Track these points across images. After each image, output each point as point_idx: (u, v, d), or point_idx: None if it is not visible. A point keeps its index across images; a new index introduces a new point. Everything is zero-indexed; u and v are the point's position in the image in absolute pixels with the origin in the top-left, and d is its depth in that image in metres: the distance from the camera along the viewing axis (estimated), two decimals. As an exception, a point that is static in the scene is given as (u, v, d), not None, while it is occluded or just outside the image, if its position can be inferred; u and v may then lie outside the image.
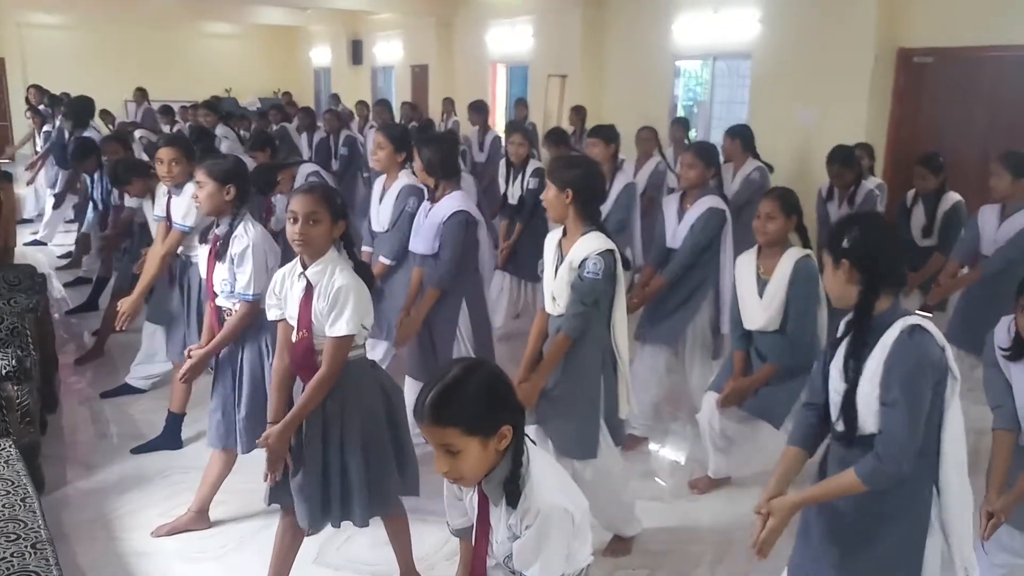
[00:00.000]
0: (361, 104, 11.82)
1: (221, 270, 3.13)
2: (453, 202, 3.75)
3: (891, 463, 1.99)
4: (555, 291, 3.03)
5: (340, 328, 2.53)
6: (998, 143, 6.24)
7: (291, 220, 2.55)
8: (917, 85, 7.21)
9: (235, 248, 3.08)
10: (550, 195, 2.99)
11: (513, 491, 1.70)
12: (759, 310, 3.48)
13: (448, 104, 11.45)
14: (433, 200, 3.83)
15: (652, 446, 4.34)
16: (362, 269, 2.68)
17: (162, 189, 4.07)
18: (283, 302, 2.66)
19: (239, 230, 3.12)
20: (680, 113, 10.03)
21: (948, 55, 6.93)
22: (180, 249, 3.92)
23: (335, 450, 2.63)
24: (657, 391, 4.28)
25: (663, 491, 3.88)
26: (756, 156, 5.87)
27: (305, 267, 2.59)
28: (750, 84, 8.57)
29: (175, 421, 4.09)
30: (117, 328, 3.91)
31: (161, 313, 4.20)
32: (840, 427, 2.13)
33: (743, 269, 3.59)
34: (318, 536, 2.99)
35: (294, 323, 2.62)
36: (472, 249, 3.86)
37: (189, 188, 3.75)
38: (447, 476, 1.69)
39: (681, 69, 9.96)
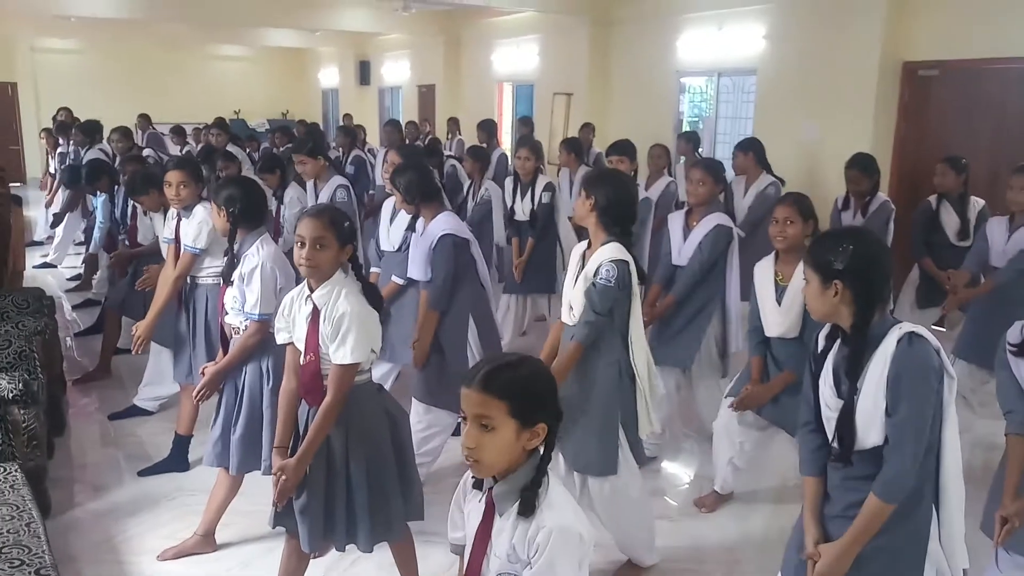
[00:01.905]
0: (358, 127, 11.82)
1: (231, 288, 3.15)
2: (438, 226, 3.78)
3: (906, 475, 1.98)
4: (572, 300, 3.04)
5: (344, 356, 2.52)
6: (1004, 155, 6.23)
7: (299, 244, 2.56)
8: (922, 99, 7.20)
9: (245, 267, 3.10)
10: (578, 200, 3.07)
11: (530, 500, 1.64)
12: (778, 317, 3.45)
13: (453, 124, 11.48)
14: (412, 228, 3.91)
15: (661, 464, 4.32)
16: (370, 292, 2.68)
17: (171, 212, 4.10)
18: (291, 325, 2.67)
19: (251, 249, 3.14)
20: (687, 129, 10.05)
21: (953, 68, 6.92)
22: (194, 274, 3.91)
23: (339, 474, 2.63)
24: (667, 410, 4.26)
25: (671, 509, 3.86)
26: (769, 170, 5.86)
27: (312, 290, 2.59)
28: (755, 100, 8.58)
29: (182, 443, 4.10)
30: (134, 352, 3.91)
31: (167, 335, 4.21)
32: (836, 445, 2.10)
33: (761, 276, 3.55)
34: (324, 559, 2.98)
35: (301, 346, 2.62)
36: (468, 267, 3.87)
37: (199, 211, 3.79)
38: (469, 455, 1.64)
39: (686, 86, 9.99)
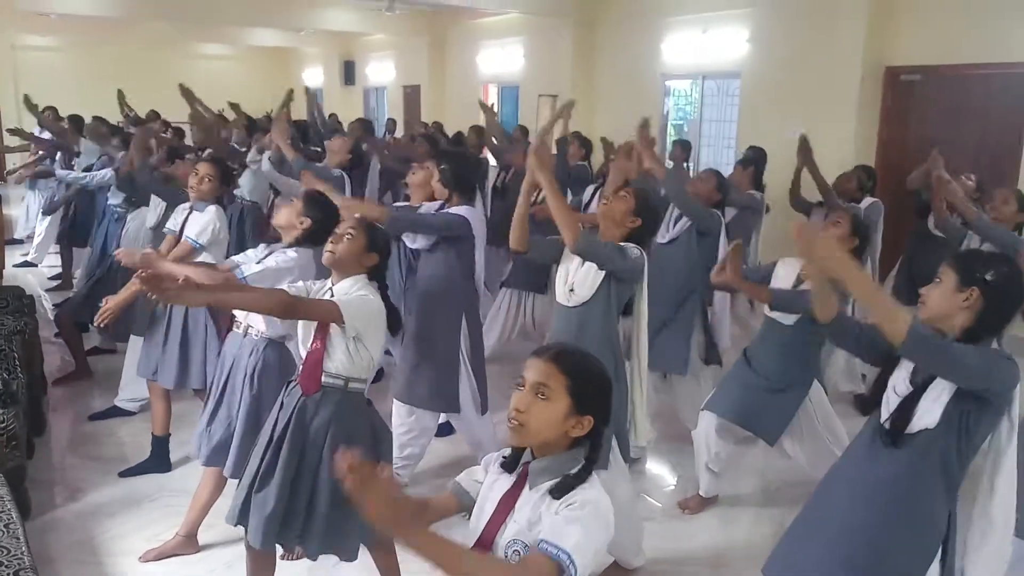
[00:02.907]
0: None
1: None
2: (459, 210, 3.77)
3: (934, 345, 2.01)
4: (576, 281, 3.11)
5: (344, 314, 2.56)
6: (986, 160, 6.30)
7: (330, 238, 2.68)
8: (905, 103, 7.27)
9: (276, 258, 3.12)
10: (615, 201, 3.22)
11: (569, 485, 1.63)
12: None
13: (436, 128, 11.45)
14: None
15: (645, 465, 4.33)
16: (392, 313, 2.75)
17: (182, 205, 4.04)
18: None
19: (289, 251, 3.15)
20: (670, 131, 10.09)
21: (935, 73, 6.99)
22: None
23: (308, 476, 2.60)
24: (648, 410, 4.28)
25: (655, 510, 3.86)
26: (760, 187, 5.93)
27: (334, 284, 2.69)
28: (739, 103, 8.62)
29: (161, 444, 4.05)
30: (95, 324, 3.53)
31: (143, 326, 4.09)
32: (888, 424, 2.13)
33: (786, 270, 3.57)
34: (305, 560, 2.96)
35: (311, 336, 2.64)
36: (467, 253, 3.84)
37: (211, 210, 3.81)
38: (516, 417, 1.64)
39: (671, 88, 10.03)
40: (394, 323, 2.76)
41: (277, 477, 2.58)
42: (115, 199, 5.61)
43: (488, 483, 1.78)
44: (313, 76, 18.97)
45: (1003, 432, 2.11)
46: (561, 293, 3.17)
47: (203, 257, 3.76)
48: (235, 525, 2.71)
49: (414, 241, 3.90)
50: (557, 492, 1.63)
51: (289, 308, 2.53)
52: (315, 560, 2.70)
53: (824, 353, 3.75)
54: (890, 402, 2.15)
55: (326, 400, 2.63)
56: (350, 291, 2.65)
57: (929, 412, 2.06)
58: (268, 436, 2.66)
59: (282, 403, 2.69)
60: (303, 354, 2.70)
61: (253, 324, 3.13)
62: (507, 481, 1.73)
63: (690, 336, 4.19)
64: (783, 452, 3.70)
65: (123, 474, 4.00)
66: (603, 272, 3.07)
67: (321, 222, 3.13)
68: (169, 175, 4.85)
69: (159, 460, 4.05)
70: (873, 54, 7.25)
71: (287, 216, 3.19)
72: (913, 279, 5.02)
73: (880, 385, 2.22)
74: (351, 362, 2.63)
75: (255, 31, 16.23)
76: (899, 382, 2.17)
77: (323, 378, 2.62)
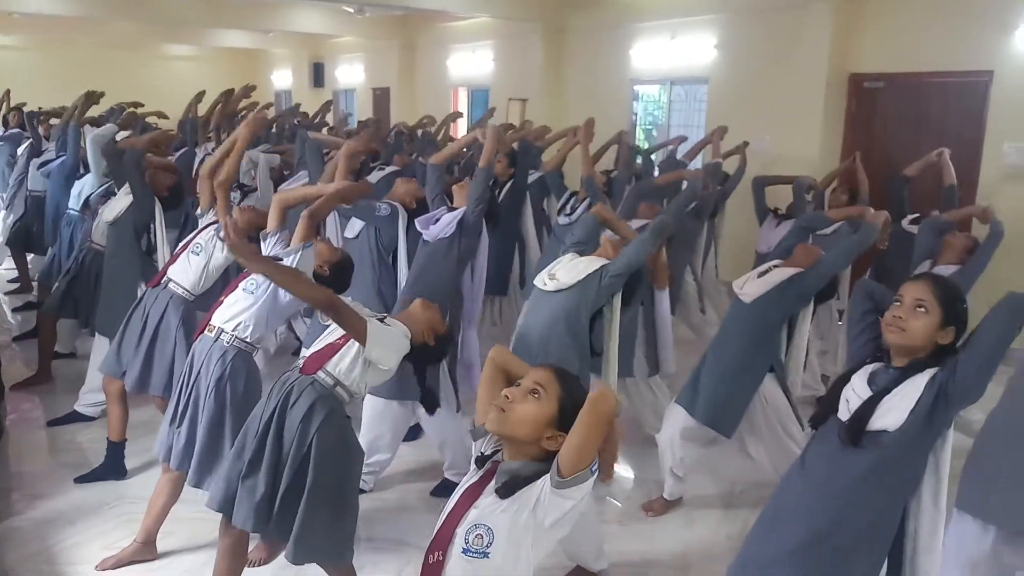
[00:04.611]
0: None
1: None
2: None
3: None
4: (559, 270, 3.23)
5: (371, 330, 2.60)
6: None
7: None
8: (869, 110, 7.37)
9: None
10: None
11: (515, 486, 1.72)
12: (755, 288, 3.58)
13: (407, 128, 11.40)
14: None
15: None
16: (428, 395, 2.96)
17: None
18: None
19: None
20: (640, 136, 10.15)
21: (897, 81, 7.11)
22: (171, 276, 3.76)
23: (286, 471, 2.60)
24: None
25: (619, 513, 3.87)
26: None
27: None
28: (706, 108, 8.70)
29: (116, 449, 3.99)
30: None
31: (115, 327, 3.98)
32: (848, 423, 2.16)
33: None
34: (272, 565, 2.93)
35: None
36: (467, 255, 3.89)
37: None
38: (502, 403, 1.76)
39: (639, 93, 10.09)
40: (429, 403, 2.94)
41: (265, 462, 2.59)
42: (74, 203, 5.54)
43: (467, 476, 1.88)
44: (282, 78, 18.84)
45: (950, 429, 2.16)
46: (540, 279, 3.24)
47: (200, 271, 3.75)
48: (218, 511, 2.69)
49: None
50: (504, 491, 1.72)
51: (331, 305, 2.57)
52: (300, 565, 2.66)
53: (788, 354, 3.80)
54: (850, 403, 2.18)
55: (310, 390, 2.63)
56: (393, 325, 2.70)
57: (890, 413, 2.09)
58: (257, 422, 2.66)
59: (273, 388, 2.70)
60: (316, 347, 2.74)
61: (226, 329, 3.10)
62: (474, 475, 1.82)
63: (633, 339, 4.22)
64: (745, 453, 3.74)
65: (79, 480, 3.93)
66: (593, 268, 3.16)
67: (333, 281, 3.23)
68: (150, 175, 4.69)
69: (114, 466, 3.99)
70: (838, 61, 7.35)
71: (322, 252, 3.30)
72: (885, 276, 5.13)
73: (835, 391, 2.25)
74: (350, 372, 2.65)
75: (223, 32, 16.07)
76: (859, 387, 2.20)
77: (320, 371, 2.65)
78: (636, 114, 10.19)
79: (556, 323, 3.22)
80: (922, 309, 2.14)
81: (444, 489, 3.87)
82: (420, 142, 8.33)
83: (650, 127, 10.45)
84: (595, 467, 1.71)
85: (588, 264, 3.29)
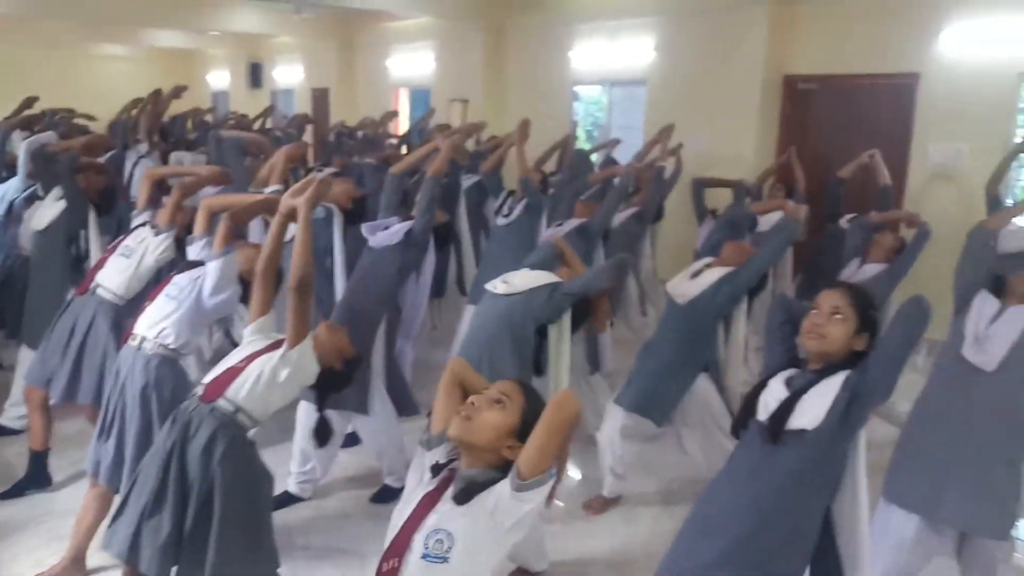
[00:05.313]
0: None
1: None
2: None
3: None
4: (516, 275, 3.30)
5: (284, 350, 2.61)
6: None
7: None
8: (802, 111, 7.53)
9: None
10: None
11: (472, 491, 1.75)
12: (686, 288, 3.67)
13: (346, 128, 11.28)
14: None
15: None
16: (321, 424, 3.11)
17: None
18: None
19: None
20: (582, 137, 10.22)
21: (829, 82, 7.28)
22: (100, 281, 3.64)
23: (196, 499, 2.51)
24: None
25: (560, 512, 3.88)
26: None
27: None
28: (645, 110, 8.79)
29: (39, 459, 3.87)
30: None
31: (39, 337, 3.88)
32: (767, 422, 2.20)
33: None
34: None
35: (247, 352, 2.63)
36: (411, 266, 3.87)
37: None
38: (466, 410, 1.81)
39: (581, 94, 10.15)
40: (321, 435, 3.03)
41: (170, 500, 2.48)
42: None
43: (413, 483, 1.91)
44: (219, 78, 18.49)
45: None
46: (495, 284, 3.27)
47: (133, 279, 3.64)
48: (124, 560, 2.56)
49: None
50: (461, 497, 1.76)
51: (306, 285, 2.60)
52: None
53: (723, 351, 3.87)
54: (769, 405, 2.23)
55: (210, 419, 2.53)
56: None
57: (808, 413, 2.14)
58: (157, 457, 2.55)
59: (174, 419, 2.60)
60: (215, 373, 2.63)
61: (149, 337, 3.02)
62: (431, 483, 1.84)
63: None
64: (681, 449, 3.80)
65: (3, 496, 3.80)
66: (548, 280, 3.20)
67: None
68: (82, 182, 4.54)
69: (37, 476, 3.86)
70: (773, 63, 7.49)
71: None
72: (820, 273, 5.24)
73: (753, 397, 2.30)
74: (253, 394, 2.57)
75: (157, 32, 15.71)
76: (776, 390, 2.25)
77: (220, 399, 2.55)
78: (577, 115, 10.25)
79: (501, 327, 3.19)
80: (839, 316, 2.21)
81: (384, 495, 3.85)
82: (360, 143, 8.28)
83: (592, 128, 10.52)
84: (554, 471, 1.76)
85: (543, 276, 3.29)
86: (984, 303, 2.95)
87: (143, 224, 3.67)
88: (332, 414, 3.65)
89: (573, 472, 4.35)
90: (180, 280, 3.06)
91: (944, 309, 2.97)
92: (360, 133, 8.82)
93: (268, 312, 2.71)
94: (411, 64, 12.34)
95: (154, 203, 3.84)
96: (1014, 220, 4.94)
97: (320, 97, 14.60)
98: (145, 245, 3.59)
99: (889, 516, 2.84)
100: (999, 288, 2.99)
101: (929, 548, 2.83)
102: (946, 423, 2.86)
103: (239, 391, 2.55)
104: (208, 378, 2.64)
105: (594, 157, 7.41)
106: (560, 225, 4.84)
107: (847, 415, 2.13)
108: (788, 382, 2.25)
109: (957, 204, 6.26)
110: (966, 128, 6.34)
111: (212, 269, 3.06)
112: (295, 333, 2.60)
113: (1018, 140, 5.96)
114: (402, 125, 12.16)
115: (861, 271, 4.41)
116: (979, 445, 2.79)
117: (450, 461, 1.90)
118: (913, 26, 6.57)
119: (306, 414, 3.70)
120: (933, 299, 2.22)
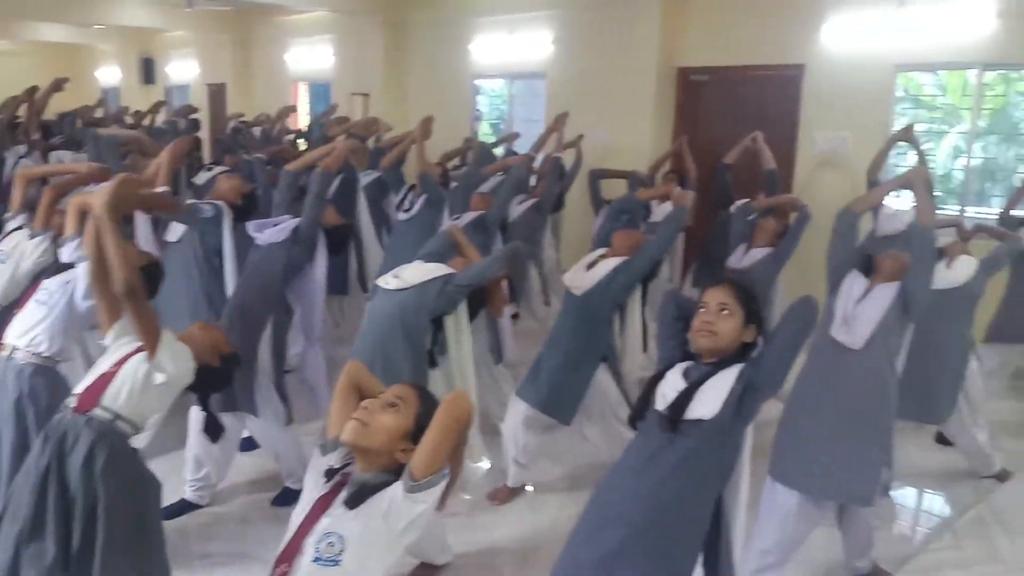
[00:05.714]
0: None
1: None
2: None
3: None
4: (407, 270, 3.27)
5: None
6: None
7: None
8: (695, 102, 7.74)
9: None
10: None
11: (363, 495, 1.76)
12: (585, 272, 3.73)
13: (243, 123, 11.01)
14: None
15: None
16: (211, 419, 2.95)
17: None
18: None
19: None
20: (486, 130, 10.25)
21: (720, 74, 7.49)
22: None
23: (79, 523, 2.38)
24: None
25: (463, 504, 3.88)
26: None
27: None
28: (544, 102, 8.87)
29: None
30: None
31: None
32: (666, 411, 2.24)
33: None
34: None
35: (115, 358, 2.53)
36: (298, 263, 3.78)
37: None
38: (363, 415, 1.81)
39: (483, 87, 10.17)
40: (211, 431, 2.92)
41: (51, 522, 2.35)
42: None
43: (309, 487, 1.90)
44: (108, 74, 17.74)
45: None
46: (386, 279, 3.24)
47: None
48: None
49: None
50: (353, 501, 1.76)
51: (134, 289, 2.44)
52: None
53: (619, 339, 3.94)
54: (667, 396, 2.29)
55: (87, 430, 2.40)
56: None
57: (705, 404, 2.21)
58: (32, 477, 2.40)
59: (46, 435, 2.45)
60: (87, 381, 2.51)
61: (20, 346, 2.88)
62: (324, 487, 1.84)
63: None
64: (583, 436, 3.86)
65: None
66: (439, 273, 3.18)
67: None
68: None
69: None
70: (666, 55, 7.67)
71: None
72: (712, 259, 5.40)
73: (649, 389, 2.36)
74: (131, 400, 2.46)
75: (39, 25, 14.97)
76: (673, 379, 2.32)
77: (95, 408, 2.43)
78: (479, 109, 10.27)
79: (393, 322, 3.19)
80: (726, 311, 2.28)
81: (285, 498, 3.78)
82: (258, 139, 8.11)
83: (497, 121, 10.56)
84: (447, 471, 1.77)
85: (436, 269, 3.29)
86: (853, 283, 3.09)
87: (19, 228, 3.50)
88: (225, 416, 3.57)
89: (477, 464, 4.37)
90: (50, 285, 2.94)
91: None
92: (257, 129, 8.63)
93: (120, 317, 2.59)
94: (310, 58, 12.13)
95: (30, 205, 3.68)
96: (890, 204, 5.26)
97: (216, 93, 14.19)
98: (20, 250, 3.43)
99: (775, 492, 2.96)
100: (871, 268, 3.14)
101: (811, 519, 2.97)
102: (818, 401, 3.00)
103: (116, 398, 2.45)
104: (79, 388, 2.52)
105: (498, 151, 7.45)
106: (457, 219, 4.84)
107: (741, 406, 2.20)
108: (685, 373, 2.31)
109: (842, 189, 6.53)
110: (849, 117, 6.64)
111: (85, 271, 2.94)
112: (145, 336, 2.50)
113: (896, 128, 6.28)
114: (301, 119, 11.96)
115: (748, 255, 4.56)
116: (849, 421, 2.94)
117: (344, 465, 1.90)
118: (797, 19, 6.83)
119: (197, 419, 3.60)
120: (820, 279, 2.33)
